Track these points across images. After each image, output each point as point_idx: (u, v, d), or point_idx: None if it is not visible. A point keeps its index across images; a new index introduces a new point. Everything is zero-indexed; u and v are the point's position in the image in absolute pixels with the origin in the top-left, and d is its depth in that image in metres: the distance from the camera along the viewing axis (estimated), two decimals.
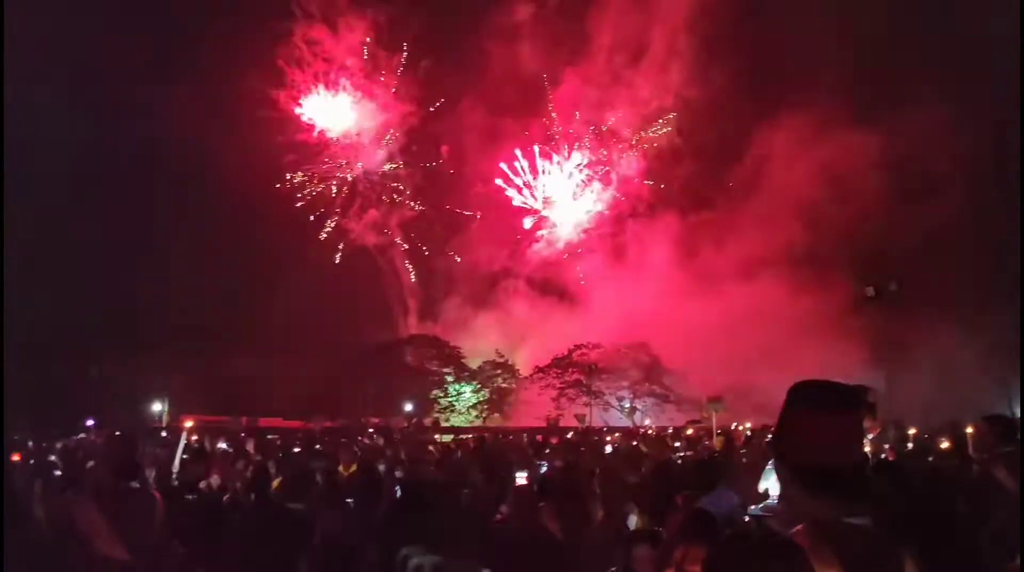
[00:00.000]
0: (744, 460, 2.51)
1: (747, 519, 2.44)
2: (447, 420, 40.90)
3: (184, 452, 9.59)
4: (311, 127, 50.27)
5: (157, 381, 36.20)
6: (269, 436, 19.62)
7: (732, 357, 34.58)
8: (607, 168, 52.03)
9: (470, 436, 19.65)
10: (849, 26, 38.79)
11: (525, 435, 20.49)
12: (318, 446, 14.02)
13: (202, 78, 41.46)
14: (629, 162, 51.39)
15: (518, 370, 44.22)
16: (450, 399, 44.04)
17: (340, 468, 9.56)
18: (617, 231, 51.14)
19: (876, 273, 34.55)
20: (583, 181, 52.33)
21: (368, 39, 50.08)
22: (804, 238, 40.06)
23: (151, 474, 8.36)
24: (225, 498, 8.04)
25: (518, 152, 51.60)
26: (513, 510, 5.77)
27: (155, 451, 11.76)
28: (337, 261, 49.68)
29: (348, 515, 6.87)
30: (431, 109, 50.44)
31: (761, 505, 2.40)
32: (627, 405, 40.30)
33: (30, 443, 14.55)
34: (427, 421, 36.58)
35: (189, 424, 12.55)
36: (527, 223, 52.75)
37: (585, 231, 52.20)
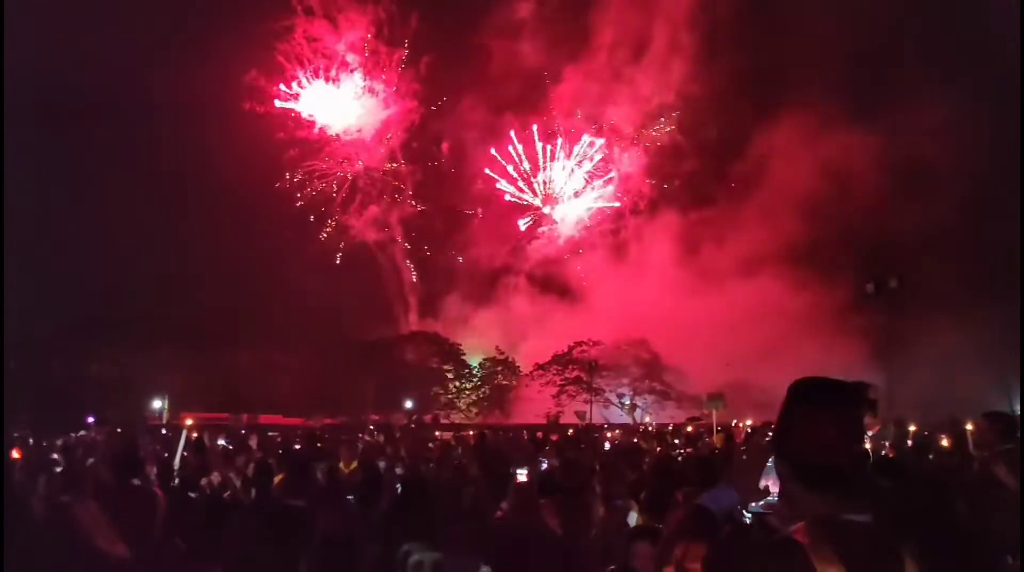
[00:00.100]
0: (744, 457, 2.50)
1: (747, 516, 2.44)
2: (447, 417, 40.91)
3: (184, 449, 9.60)
4: (312, 124, 50.28)
5: (158, 378, 36.22)
6: (270, 433, 19.64)
7: (732, 354, 34.61)
8: (608, 165, 52.04)
9: (471, 432, 19.65)
10: (850, 23, 38.73)
11: (525, 432, 20.49)
12: (319, 444, 14.02)
13: (202, 75, 41.40)
14: (630, 159, 51.38)
15: (518, 367, 44.24)
16: (450, 396, 44.06)
17: (341, 465, 9.57)
18: (618, 228, 51.19)
19: (876, 270, 34.49)
20: (584, 178, 52.34)
21: (369, 35, 50.06)
22: (804, 235, 40.06)
23: (152, 471, 8.36)
24: (226, 495, 8.04)
25: (520, 149, 51.61)
26: (513, 507, 5.77)
27: (155, 448, 11.78)
28: (338, 261, 49.73)
29: (349, 512, 6.88)
30: (432, 108, 50.45)
31: (761, 502, 2.41)
32: (627, 402, 40.33)
33: (31, 440, 14.55)
34: (427, 418, 36.60)
35: (190, 421, 12.57)
36: (527, 221, 52.79)
37: (586, 228, 52.22)
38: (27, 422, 19.04)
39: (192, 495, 7.96)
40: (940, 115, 33.78)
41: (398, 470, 9.47)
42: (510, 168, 51.71)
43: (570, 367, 41.02)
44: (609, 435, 20.09)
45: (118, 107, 39.81)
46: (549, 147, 51.77)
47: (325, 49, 49.89)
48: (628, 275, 45.86)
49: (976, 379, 27.72)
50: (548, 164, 52.04)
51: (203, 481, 8.69)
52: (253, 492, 7.52)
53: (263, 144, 47.26)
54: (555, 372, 41.26)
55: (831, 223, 39.78)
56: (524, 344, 45.56)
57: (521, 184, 52.07)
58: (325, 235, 50.08)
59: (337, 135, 51.05)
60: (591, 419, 33.14)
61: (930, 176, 35.21)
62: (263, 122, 48.03)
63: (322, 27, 49.34)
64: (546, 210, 52.70)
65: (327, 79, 50.33)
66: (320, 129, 50.50)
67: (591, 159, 51.77)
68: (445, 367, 44.36)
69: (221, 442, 14.33)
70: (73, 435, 17.98)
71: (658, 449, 14.05)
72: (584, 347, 40.44)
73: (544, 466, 9.58)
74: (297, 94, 49.63)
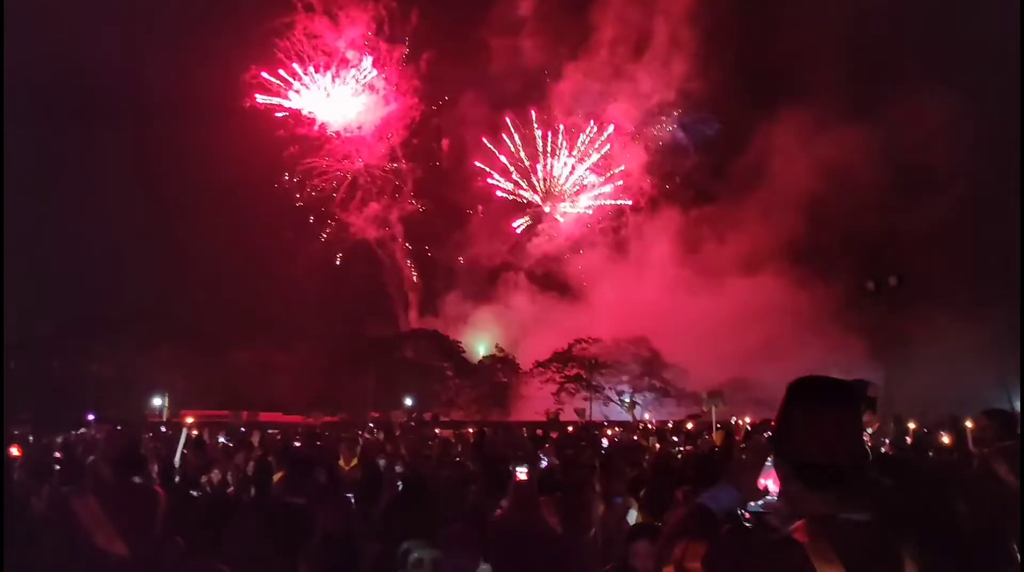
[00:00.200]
0: (743, 456, 2.50)
1: (747, 515, 2.44)
2: (447, 414, 40.91)
3: (184, 446, 9.60)
4: (312, 121, 50.24)
5: (158, 377, 36.23)
6: (270, 430, 19.65)
7: (732, 351, 34.62)
8: (608, 162, 52.03)
9: (470, 430, 19.66)
10: (851, 20, 38.69)
11: (525, 429, 20.50)
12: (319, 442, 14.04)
13: (202, 73, 41.39)
14: (631, 156, 51.36)
15: (518, 365, 44.24)
16: (450, 394, 44.07)
17: (341, 463, 9.58)
18: (618, 225, 51.20)
19: (876, 267, 34.50)
20: (585, 175, 52.32)
21: (370, 33, 50.01)
22: (804, 232, 40.06)
23: (154, 469, 8.36)
24: (229, 490, 8.05)
25: (519, 145, 51.58)
26: (513, 504, 5.77)
27: (156, 445, 11.79)
28: (338, 262, 49.73)
29: (349, 510, 6.88)
30: (434, 108, 50.43)
31: (761, 501, 2.40)
32: (627, 399, 40.32)
33: (31, 438, 14.57)
34: (427, 415, 36.60)
35: (190, 419, 12.57)
36: (526, 220, 52.79)
37: (586, 225, 52.21)
38: (27, 420, 19.07)
39: (193, 493, 7.96)
40: (941, 113, 33.78)
41: (398, 468, 9.48)
42: (510, 166, 51.73)
43: (570, 364, 41.01)
44: (609, 432, 20.09)
45: (118, 106, 39.83)
46: (550, 144, 51.82)
47: (325, 46, 49.90)
48: (628, 272, 45.89)
49: (975, 377, 27.73)
50: (549, 161, 52.06)
51: (203, 479, 8.70)
52: (253, 490, 7.53)
53: (263, 142, 47.28)
54: (555, 369, 41.25)
55: (831, 221, 39.80)
56: (524, 341, 45.58)
57: (520, 181, 52.09)
58: (325, 236, 50.11)
59: (337, 132, 51.06)
60: (591, 416, 33.16)
61: (930, 174, 35.23)
62: (263, 120, 48.03)
63: (322, 24, 49.36)
64: (547, 209, 52.72)
65: (327, 76, 50.33)
66: (320, 126, 50.52)
67: (593, 154, 51.77)
68: (445, 365, 44.35)
69: (221, 440, 14.37)
70: (73, 433, 18.00)
71: (657, 447, 14.07)
72: (584, 344, 40.42)
73: (544, 464, 9.59)
74: (298, 91, 49.62)
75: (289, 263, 43.66)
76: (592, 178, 52.36)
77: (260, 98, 48.09)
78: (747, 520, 2.46)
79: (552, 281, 49.46)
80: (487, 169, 51.57)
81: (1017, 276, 24.90)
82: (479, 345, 46.56)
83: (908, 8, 37.97)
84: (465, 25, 46.97)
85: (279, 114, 48.87)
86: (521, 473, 5.85)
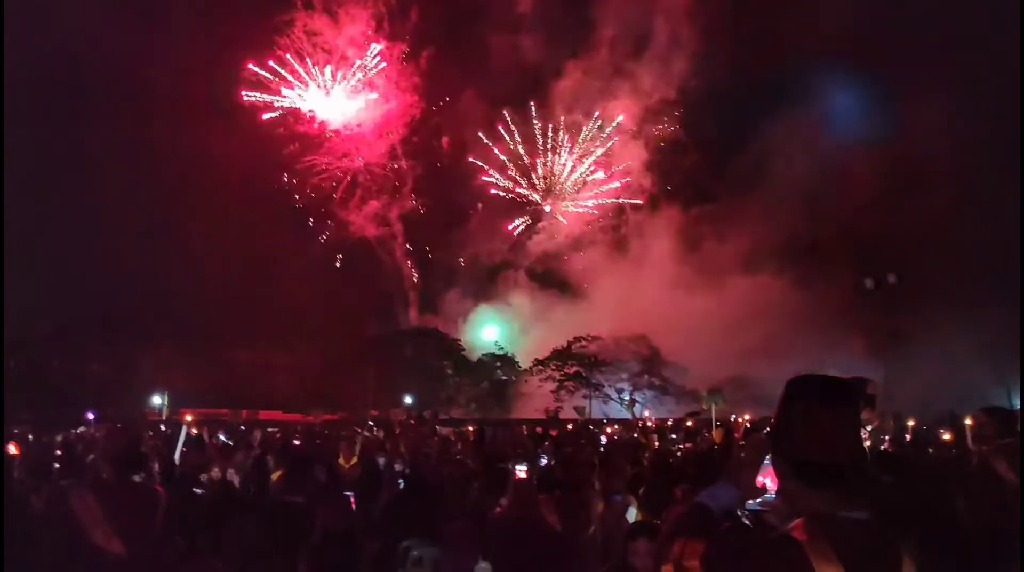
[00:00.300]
0: (742, 454, 2.50)
1: (746, 514, 2.44)
2: (447, 413, 40.93)
3: (183, 445, 9.60)
4: (311, 119, 50.21)
5: (158, 376, 36.22)
6: (269, 429, 19.66)
7: (732, 349, 34.64)
8: (609, 160, 52.00)
9: (470, 428, 19.67)
10: (851, 18, 38.65)
11: (524, 427, 20.51)
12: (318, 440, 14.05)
13: (202, 71, 41.34)
14: (631, 154, 51.33)
15: (518, 363, 44.25)
16: (450, 392, 44.10)
17: (341, 461, 9.59)
18: (618, 223, 51.19)
19: (875, 266, 34.53)
20: (585, 173, 52.30)
21: (370, 30, 49.95)
22: (804, 230, 40.05)
23: (155, 467, 8.36)
24: (234, 486, 8.06)
25: (519, 143, 51.55)
26: (513, 502, 5.77)
27: (156, 443, 11.78)
28: (338, 262, 49.71)
29: (349, 508, 6.88)
30: (434, 108, 50.39)
31: (759, 500, 2.40)
32: (626, 397, 40.34)
33: (31, 437, 14.56)
34: (427, 414, 36.61)
35: (189, 418, 12.56)
36: (525, 219, 52.78)
37: (586, 223, 52.20)
38: (27, 419, 19.07)
39: (195, 491, 7.95)
40: (941, 111, 33.75)
41: (398, 466, 9.48)
42: (509, 164, 51.69)
43: (569, 362, 41.03)
44: (609, 430, 20.11)
45: (118, 105, 39.82)
46: (550, 141, 51.79)
47: (325, 44, 49.84)
48: (628, 270, 45.90)
49: (975, 374, 27.75)
50: (549, 159, 52.03)
51: (203, 477, 8.70)
52: (252, 488, 7.53)
53: (263, 140, 47.25)
54: (555, 367, 41.27)
55: (831, 219, 39.79)
56: (523, 339, 45.61)
57: (520, 179, 52.05)
58: (325, 237, 50.07)
59: (337, 130, 51.02)
60: (590, 414, 33.18)
61: (930, 172, 35.20)
62: (263, 118, 47.99)
63: (322, 22, 49.27)
64: (547, 207, 52.72)
65: (327, 74, 50.29)
66: (320, 124, 50.48)
67: (594, 151, 51.73)
68: (444, 363, 44.38)
69: (221, 437, 14.37)
70: (73, 431, 18.01)
71: (657, 444, 14.07)
72: (583, 342, 40.44)
73: (543, 462, 9.60)
74: (297, 88, 49.59)
75: (289, 261, 43.62)
76: (592, 175, 52.37)
77: (260, 96, 48.09)
78: (746, 518, 2.46)
79: (552, 279, 49.48)
80: (490, 170, 51.55)
81: (1017, 274, 24.91)
82: (478, 343, 46.57)
83: (909, 5, 37.93)
84: (465, 23, 46.98)
85: (278, 113, 48.88)
86: (521, 471, 5.86)
